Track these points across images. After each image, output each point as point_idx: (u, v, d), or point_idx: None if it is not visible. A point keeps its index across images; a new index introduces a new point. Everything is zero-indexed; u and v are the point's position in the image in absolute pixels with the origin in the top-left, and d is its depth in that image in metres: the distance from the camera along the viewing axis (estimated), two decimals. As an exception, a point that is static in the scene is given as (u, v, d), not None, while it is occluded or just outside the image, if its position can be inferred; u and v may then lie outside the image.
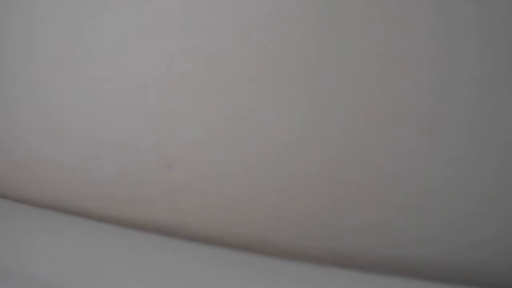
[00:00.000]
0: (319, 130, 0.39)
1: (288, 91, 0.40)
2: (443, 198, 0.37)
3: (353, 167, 0.39)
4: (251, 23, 0.40)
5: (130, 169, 0.46)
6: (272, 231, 0.42)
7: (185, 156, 0.44)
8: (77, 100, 0.47)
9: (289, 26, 0.39)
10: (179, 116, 0.43)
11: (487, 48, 0.35)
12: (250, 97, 0.41)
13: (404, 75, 0.36)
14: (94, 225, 0.45)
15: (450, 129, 0.36)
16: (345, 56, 0.38)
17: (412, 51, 0.36)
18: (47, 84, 0.49)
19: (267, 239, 0.42)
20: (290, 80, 0.39)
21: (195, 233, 0.44)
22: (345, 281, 0.36)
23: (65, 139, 0.48)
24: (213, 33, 0.41)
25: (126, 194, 0.46)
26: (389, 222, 0.38)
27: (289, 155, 0.40)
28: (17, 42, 0.50)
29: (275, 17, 0.39)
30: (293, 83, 0.39)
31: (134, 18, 0.44)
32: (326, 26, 0.38)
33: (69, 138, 0.48)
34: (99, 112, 0.47)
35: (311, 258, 0.40)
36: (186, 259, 0.40)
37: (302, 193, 0.40)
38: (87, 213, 0.48)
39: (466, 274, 0.37)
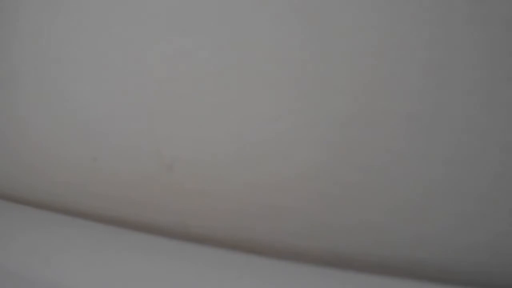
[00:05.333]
0: (317, 130, 0.39)
1: (286, 92, 0.40)
2: (440, 198, 0.37)
3: (349, 167, 0.39)
4: (250, 24, 0.40)
5: (130, 169, 0.46)
6: (272, 231, 0.42)
7: (185, 156, 0.44)
8: (76, 101, 0.47)
9: (286, 27, 0.39)
10: (179, 117, 0.43)
11: (484, 48, 0.35)
12: (249, 98, 0.41)
13: (400, 75, 0.36)
14: (94, 226, 0.45)
15: (446, 129, 0.36)
16: (338, 57, 0.38)
17: (408, 52, 0.36)
18: (46, 85, 0.49)
19: (267, 240, 0.42)
20: (287, 81, 0.39)
21: (194, 234, 0.44)
22: (343, 281, 0.36)
23: (64, 139, 0.48)
24: (213, 34, 0.41)
25: (126, 195, 0.46)
26: (385, 222, 0.38)
27: (288, 155, 0.40)
28: (26, 40, 0.50)
29: (273, 17, 0.39)
30: (290, 84, 0.39)
31: (133, 18, 0.44)
32: (321, 28, 0.38)
33: (68, 138, 0.48)
34: (98, 112, 0.47)
35: (310, 258, 0.40)
36: (185, 260, 0.40)
37: (300, 194, 0.40)
38: (86, 213, 0.48)
39: (464, 275, 0.37)
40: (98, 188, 0.47)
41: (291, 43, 0.39)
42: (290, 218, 0.41)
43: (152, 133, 0.44)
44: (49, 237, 0.43)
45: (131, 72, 0.45)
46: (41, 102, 0.49)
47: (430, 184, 0.37)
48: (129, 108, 0.45)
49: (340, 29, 0.38)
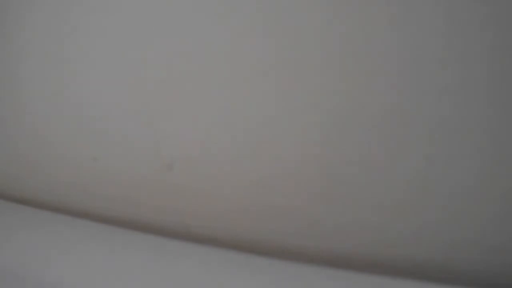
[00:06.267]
0: (317, 131, 0.39)
1: (285, 92, 0.40)
2: (439, 197, 0.37)
3: (349, 167, 0.39)
4: (250, 25, 0.40)
5: (130, 169, 0.46)
6: (272, 231, 0.42)
7: (185, 156, 0.44)
8: (77, 102, 0.47)
9: (285, 28, 0.39)
10: (179, 116, 0.43)
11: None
12: (248, 98, 0.41)
13: (401, 75, 0.37)
14: (94, 226, 0.45)
15: (446, 130, 0.36)
16: (334, 60, 0.38)
17: (403, 52, 0.36)
18: (47, 85, 0.49)
19: (266, 240, 0.42)
20: (287, 81, 0.40)
21: (194, 233, 0.44)
22: (342, 281, 0.36)
23: (64, 140, 0.48)
24: (212, 34, 0.41)
25: (126, 195, 0.46)
26: (383, 221, 0.38)
27: (287, 155, 0.40)
28: (29, 42, 0.50)
29: (272, 19, 0.39)
30: (290, 84, 0.40)
31: (134, 19, 0.44)
32: (319, 30, 0.38)
33: (68, 138, 0.48)
34: (99, 113, 0.47)
35: (309, 258, 0.40)
36: (185, 259, 0.40)
37: (300, 194, 0.40)
38: (87, 213, 0.48)
39: (462, 274, 0.37)
40: (98, 188, 0.47)
41: (290, 45, 0.39)
42: (290, 218, 0.41)
43: (152, 133, 0.44)
44: (49, 237, 0.43)
45: (132, 72, 0.45)
46: (41, 103, 0.49)
47: (426, 182, 0.37)
48: (129, 108, 0.45)
49: (331, 34, 0.38)
